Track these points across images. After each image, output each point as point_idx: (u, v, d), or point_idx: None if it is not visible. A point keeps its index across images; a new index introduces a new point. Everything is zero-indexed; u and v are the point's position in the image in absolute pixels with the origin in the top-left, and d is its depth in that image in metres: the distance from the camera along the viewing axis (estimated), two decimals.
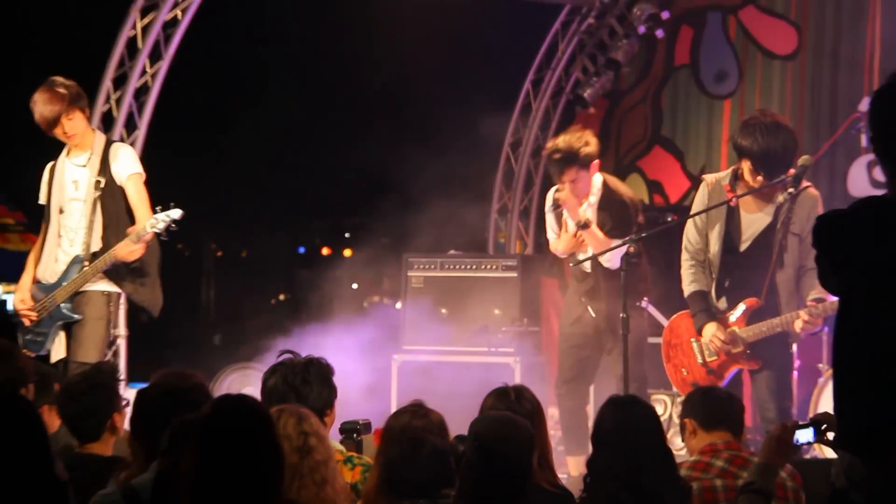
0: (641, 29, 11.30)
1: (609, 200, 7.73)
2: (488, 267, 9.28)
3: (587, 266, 7.79)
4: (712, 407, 5.03)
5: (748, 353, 6.59)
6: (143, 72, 9.69)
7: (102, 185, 6.97)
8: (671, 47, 11.69)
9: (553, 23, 11.85)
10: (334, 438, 5.12)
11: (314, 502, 3.99)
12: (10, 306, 7.44)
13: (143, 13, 9.59)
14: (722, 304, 6.68)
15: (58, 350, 7.05)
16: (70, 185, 7.06)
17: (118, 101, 9.65)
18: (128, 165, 7.04)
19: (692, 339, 6.75)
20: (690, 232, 6.75)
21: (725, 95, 11.39)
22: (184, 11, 9.64)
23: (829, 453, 6.90)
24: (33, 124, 7.04)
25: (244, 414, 3.49)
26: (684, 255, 6.77)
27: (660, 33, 11.39)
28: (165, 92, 9.82)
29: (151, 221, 6.79)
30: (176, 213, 6.79)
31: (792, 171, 6.37)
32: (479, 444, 4.01)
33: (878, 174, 9.95)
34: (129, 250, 6.82)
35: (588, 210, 7.77)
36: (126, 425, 4.65)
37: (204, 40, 10.82)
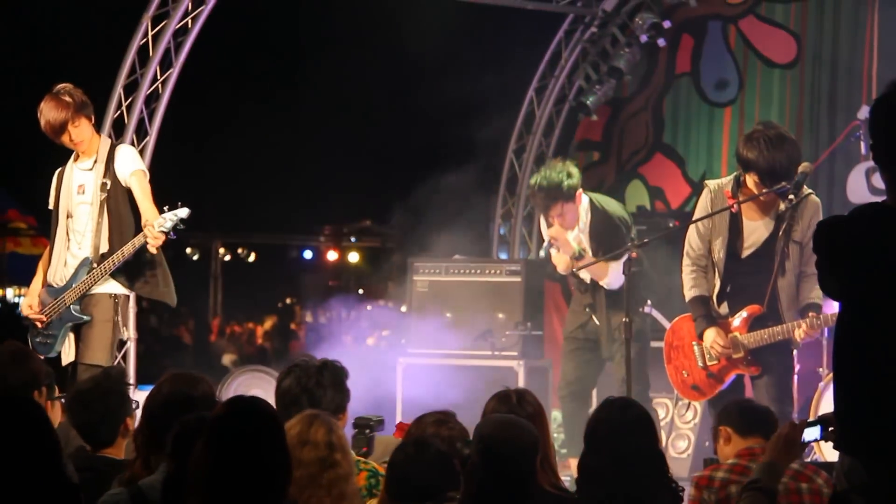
0: (643, 38, 11.32)
1: (599, 223, 7.81)
2: (492, 272, 9.34)
3: (587, 278, 7.91)
4: (749, 414, 5.09)
5: (749, 358, 6.64)
6: (154, 79, 9.73)
7: (108, 186, 7.02)
8: (672, 56, 11.68)
9: (557, 32, 11.85)
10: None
11: None
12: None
13: (155, 22, 9.64)
14: (723, 309, 6.73)
15: (68, 354, 7.10)
16: (77, 189, 7.12)
17: (129, 108, 9.68)
18: (130, 163, 7.08)
19: (693, 343, 6.80)
20: (692, 238, 6.78)
21: (726, 103, 11.37)
22: (194, 20, 9.69)
23: (830, 456, 6.97)
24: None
25: (255, 416, 3.50)
26: (686, 261, 6.80)
27: (661, 42, 11.40)
28: (175, 98, 9.87)
29: (159, 221, 6.80)
30: (183, 212, 6.82)
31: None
32: (483, 447, 4.02)
33: (877, 181, 9.93)
34: (154, 235, 6.77)
35: (580, 236, 7.87)
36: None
37: (213, 48, 10.93)
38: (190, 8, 9.66)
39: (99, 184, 7.03)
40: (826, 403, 7.79)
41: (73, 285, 7.01)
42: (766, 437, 4.98)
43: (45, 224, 7.64)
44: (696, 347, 6.78)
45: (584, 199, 7.88)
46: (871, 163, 9.68)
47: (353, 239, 29.92)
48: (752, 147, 6.42)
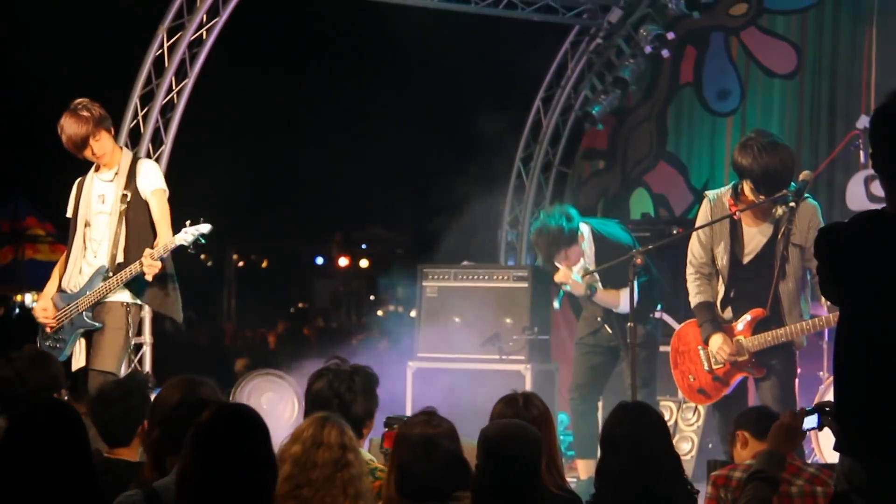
0: (648, 49, 11.39)
1: (602, 251, 7.81)
2: (500, 277, 9.32)
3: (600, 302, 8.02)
4: (766, 419, 5.07)
5: (753, 361, 6.66)
6: (170, 89, 9.81)
7: (129, 198, 7.05)
8: (676, 66, 11.71)
9: (563, 43, 11.90)
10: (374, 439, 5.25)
11: None
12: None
13: (170, 33, 9.73)
14: (727, 314, 6.75)
15: (78, 359, 7.15)
16: (96, 199, 7.16)
17: (145, 118, 9.74)
18: (152, 181, 7.14)
19: (699, 347, 6.82)
20: (695, 246, 6.82)
21: (728, 113, 11.38)
22: (209, 31, 9.78)
23: (830, 458, 7.03)
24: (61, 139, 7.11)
25: (240, 422, 3.51)
26: (689, 269, 6.83)
27: (665, 53, 11.47)
28: (190, 108, 9.93)
29: (181, 235, 6.85)
30: (205, 228, 6.87)
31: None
32: (487, 447, 4.06)
33: (876, 189, 9.84)
34: (150, 264, 6.84)
35: (587, 266, 7.96)
36: None
37: (228, 59, 11.03)
38: (205, 20, 9.76)
39: (119, 195, 7.07)
40: None
41: (88, 292, 7.04)
42: None
43: (62, 231, 7.59)
44: (701, 352, 6.82)
45: (585, 233, 7.91)
46: (870, 171, 9.68)
47: (363, 245, 29.95)
48: (747, 154, 6.47)
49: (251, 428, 3.52)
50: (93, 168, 7.24)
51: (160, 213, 7.10)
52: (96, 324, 7.04)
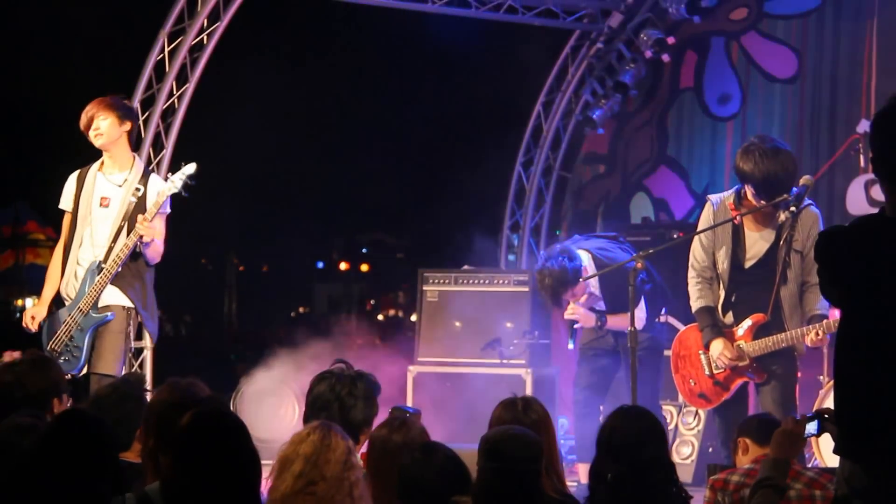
0: (648, 53, 11.39)
1: (606, 277, 7.73)
2: (500, 281, 9.32)
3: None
4: (767, 426, 5.09)
5: (754, 366, 6.66)
6: (171, 94, 9.82)
7: (133, 206, 7.02)
8: (676, 71, 11.72)
9: (563, 47, 11.92)
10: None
11: None
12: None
13: (171, 38, 9.75)
14: (728, 318, 6.74)
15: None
16: (99, 200, 7.10)
17: (146, 122, 9.74)
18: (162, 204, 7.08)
19: (700, 352, 6.82)
20: (697, 250, 6.82)
21: (728, 117, 11.39)
22: (209, 36, 9.79)
23: (830, 461, 6.92)
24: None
25: (219, 426, 3.55)
26: (691, 273, 6.83)
27: (666, 58, 11.48)
28: (191, 113, 9.95)
29: (168, 185, 6.87)
30: (190, 168, 6.88)
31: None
32: (489, 452, 4.09)
33: (876, 193, 9.88)
34: (147, 227, 6.84)
35: (593, 295, 7.98)
36: None
37: (228, 63, 11.05)
38: (206, 24, 9.78)
39: (127, 202, 7.03)
40: None
41: (87, 291, 6.98)
42: None
43: None
44: (702, 357, 6.82)
45: (586, 261, 7.86)
46: (870, 175, 9.72)
47: (364, 249, 29.99)
48: (748, 159, 6.47)
49: (229, 428, 3.55)
50: (97, 164, 7.18)
51: (158, 234, 7.08)
52: (108, 314, 7.01)
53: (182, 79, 9.90)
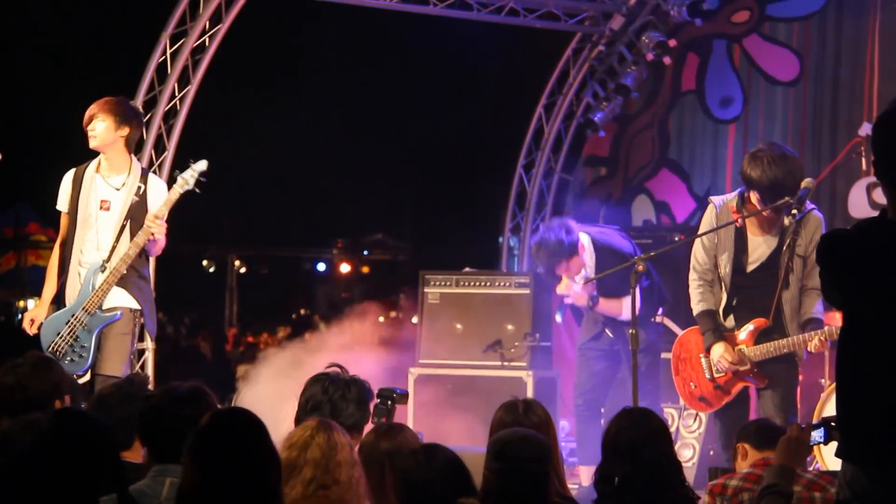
0: (650, 56, 11.40)
1: (604, 260, 7.84)
2: (502, 284, 9.35)
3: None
4: (765, 431, 5.17)
5: (755, 371, 6.69)
6: (172, 95, 9.82)
7: (134, 210, 7.01)
8: (678, 74, 11.73)
9: (565, 50, 11.94)
10: None
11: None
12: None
13: (173, 40, 9.75)
14: (729, 322, 6.77)
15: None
16: (98, 203, 7.08)
17: (148, 124, 9.69)
18: (160, 202, 7.08)
19: (701, 355, 6.84)
20: (699, 252, 6.82)
21: (730, 120, 11.41)
22: (211, 38, 9.79)
23: (832, 465, 6.94)
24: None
25: (237, 426, 3.53)
26: (692, 275, 6.84)
27: (667, 60, 11.49)
28: (193, 115, 9.94)
29: (179, 182, 6.87)
30: (202, 165, 6.89)
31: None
32: (500, 454, 4.10)
33: (878, 196, 9.97)
34: (159, 226, 6.87)
35: (588, 284, 7.98)
36: None
37: (230, 66, 11.05)
38: (207, 26, 9.77)
39: (129, 205, 7.03)
40: (828, 413, 7.58)
41: (91, 292, 6.97)
42: None
43: None
44: (703, 360, 6.84)
45: (585, 243, 7.94)
46: (872, 178, 9.73)
47: (365, 252, 30.01)
48: (756, 166, 6.47)
49: (249, 430, 3.54)
50: (94, 166, 7.16)
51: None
52: (116, 313, 7.00)
53: (184, 81, 9.90)
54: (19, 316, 18.87)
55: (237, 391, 9.46)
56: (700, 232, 6.85)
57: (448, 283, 9.45)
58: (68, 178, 7.18)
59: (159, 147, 9.93)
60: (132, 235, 7.01)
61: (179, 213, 7.21)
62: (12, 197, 18.74)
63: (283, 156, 19.16)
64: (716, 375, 6.80)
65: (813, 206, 6.68)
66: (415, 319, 9.73)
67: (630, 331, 6.72)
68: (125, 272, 6.99)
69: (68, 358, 7.02)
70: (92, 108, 7.05)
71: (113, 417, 4.72)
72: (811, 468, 7.31)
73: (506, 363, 9.04)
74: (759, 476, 4.80)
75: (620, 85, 11.66)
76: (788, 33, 11.16)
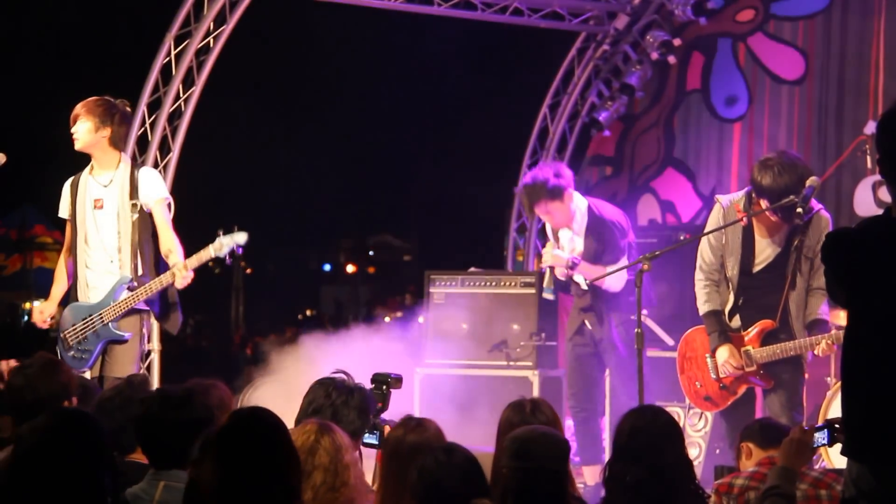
0: (654, 55, 11.43)
1: (594, 226, 7.81)
2: (507, 284, 9.31)
3: (583, 284, 8.00)
4: (769, 430, 5.18)
5: (761, 372, 6.70)
6: (177, 97, 9.82)
7: (139, 207, 7.06)
8: (683, 73, 11.75)
9: (569, 49, 11.94)
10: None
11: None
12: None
13: (178, 41, 9.75)
14: (735, 322, 6.78)
15: (92, 368, 7.14)
16: (93, 203, 7.13)
17: (153, 125, 9.76)
18: (155, 190, 7.15)
19: (707, 355, 6.84)
20: (705, 252, 6.83)
21: (735, 119, 11.41)
22: (215, 39, 9.79)
23: (838, 463, 6.94)
24: (71, 145, 7.16)
25: (258, 426, 3.56)
26: (698, 275, 6.84)
27: (672, 59, 11.52)
28: (197, 116, 9.95)
29: (216, 245, 6.87)
30: (242, 238, 6.90)
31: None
32: (519, 453, 4.09)
33: (884, 194, 9.82)
34: (184, 276, 6.87)
35: (574, 238, 7.95)
36: None
37: (235, 67, 11.06)
38: (212, 28, 9.77)
39: (128, 204, 7.08)
40: (834, 411, 7.74)
41: (111, 303, 7.02)
42: None
43: None
44: (709, 360, 6.84)
45: (580, 203, 7.90)
46: (877, 176, 9.70)
47: (371, 252, 30.02)
48: (766, 174, 6.46)
49: (269, 430, 3.56)
50: (88, 169, 7.23)
51: (164, 222, 7.13)
52: (125, 334, 7.05)
53: (188, 82, 9.90)
54: (25, 318, 18.91)
55: (243, 391, 9.48)
56: (706, 230, 6.85)
57: (453, 283, 9.44)
58: (66, 185, 7.29)
59: (164, 148, 9.93)
60: (139, 234, 7.07)
61: (184, 215, 7.24)
62: (18, 199, 18.78)
63: (287, 156, 19.19)
64: (721, 376, 6.81)
65: (820, 206, 6.67)
66: (420, 319, 9.71)
67: (636, 330, 6.69)
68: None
69: (72, 352, 7.11)
70: (76, 110, 7.11)
71: (114, 422, 4.74)
72: (817, 466, 7.36)
73: (512, 363, 9.01)
74: (765, 475, 4.79)
75: (625, 84, 11.68)
76: (793, 32, 11.16)
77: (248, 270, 28.74)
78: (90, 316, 7.08)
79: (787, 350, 6.59)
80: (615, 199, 12.15)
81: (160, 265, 7.20)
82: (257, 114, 17.59)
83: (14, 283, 19.24)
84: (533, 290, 9.17)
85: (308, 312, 29.17)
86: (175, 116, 9.94)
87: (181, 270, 6.89)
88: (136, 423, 4.38)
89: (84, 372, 7.03)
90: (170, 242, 7.07)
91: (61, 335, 7.17)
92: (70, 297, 7.26)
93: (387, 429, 4.98)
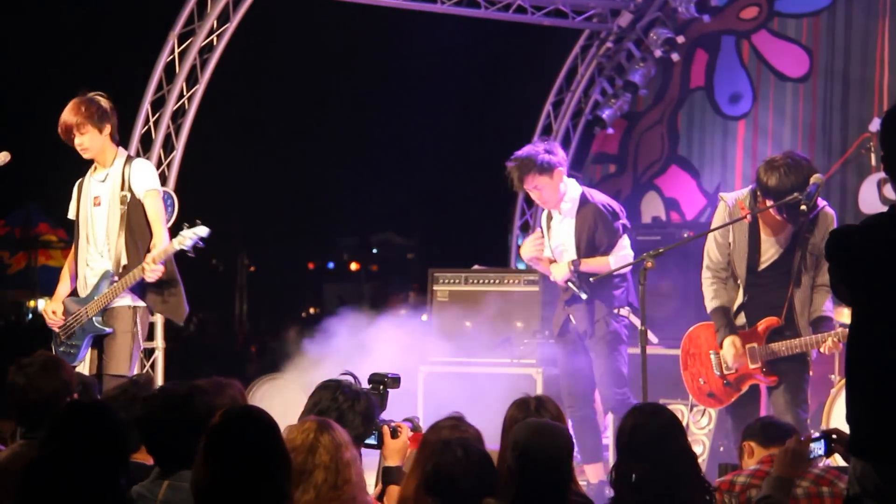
0: (658, 52, 11.42)
1: (585, 210, 7.71)
2: (511, 281, 9.33)
3: (583, 295, 7.93)
4: (770, 428, 5.21)
5: (765, 369, 6.70)
6: (181, 95, 9.84)
7: (128, 199, 7.06)
8: (687, 70, 11.74)
9: (573, 47, 11.95)
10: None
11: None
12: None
13: (181, 40, 9.76)
14: (740, 319, 6.79)
15: (84, 365, 7.21)
16: (91, 200, 7.17)
17: (156, 123, 9.78)
18: (146, 181, 7.15)
19: (711, 352, 6.85)
20: (711, 249, 6.83)
21: (740, 116, 11.40)
22: (219, 38, 9.81)
23: (842, 461, 7.13)
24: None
25: (249, 425, 3.58)
26: (705, 273, 6.85)
27: (675, 57, 11.50)
28: (201, 114, 9.97)
29: (179, 239, 6.88)
30: (203, 231, 6.89)
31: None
32: (520, 452, 4.10)
33: (889, 192, 9.95)
34: (152, 269, 6.90)
35: (565, 220, 7.94)
36: None
37: (238, 65, 11.07)
38: (215, 26, 9.79)
39: (118, 196, 7.09)
40: (838, 409, 7.75)
41: (95, 297, 7.07)
42: None
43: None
44: (713, 357, 6.85)
45: (573, 188, 7.82)
46: (882, 174, 9.71)
47: (374, 250, 30.04)
48: (772, 175, 6.45)
49: (261, 429, 3.57)
50: (91, 168, 7.26)
51: (155, 213, 7.13)
52: (107, 329, 7.08)
53: (192, 80, 9.91)
54: (29, 315, 18.94)
55: (247, 390, 9.47)
56: (712, 228, 6.83)
57: (457, 281, 9.44)
58: (75, 187, 7.33)
59: (168, 146, 9.94)
60: (128, 231, 7.09)
61: (188, 213, 7.27)
62: (22, 197, 18.80)
63: (291, 154, 19.20)
64: (725, 372, 6.80)
65: (825, 203, 6.67)
66: (424, 317, 9.71)
67: (640, 328, 6.67)
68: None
69: (62, 348, 7.18)
70: (66, 122, 7.06)
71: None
72: (821, 464, 7.35)
73: (515, 360, 9.00)
74: (767, 472, 4.83)
75: (629, 82, 11.68)
76: (798, 29, 11.15)
77: (252, 268, 28.76)
78: (77, 311, 7.12)
79: (793, 347, 6.60)
80: (619, 196, 12.13)
81: None
82: (260, 112, 17.59)
83: (18, 281, 19.26)
84: (536, 288, 9.19)
85: (311, 310, 29.19)
86: (179, 114, 9.95)
87: (149, 264, 6.92)
88: (138, 423, 4.38)
89: (74, 367, 7.00)
90: (157, 236, 7.09)
91: (55, 331, 7.23)
92: (73, 295, 7.31)
93: (385, 429, 4.97)
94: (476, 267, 9.73)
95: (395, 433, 4.98)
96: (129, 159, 7.23)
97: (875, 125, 9.94)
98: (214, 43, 9.88)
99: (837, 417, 7.60)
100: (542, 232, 8.04)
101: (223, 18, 9.83)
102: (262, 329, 22.15)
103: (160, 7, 10.32)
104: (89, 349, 7.19)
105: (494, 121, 11.10)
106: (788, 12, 11.24)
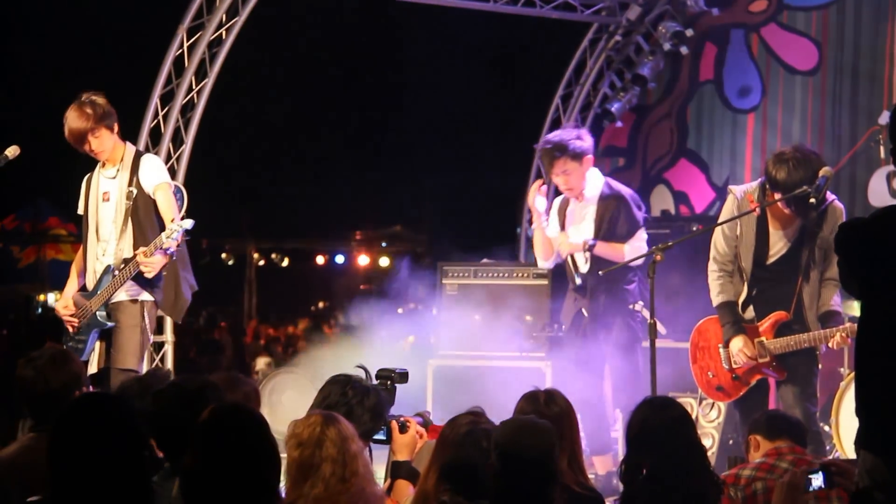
0: (667, 46, 11.44)
1: (609, 197, 7.75)
2: (520, 275, 9.35)
3: (583, 267, 7.94)
4: (776, 421, 5.26)
5: (774, 364, 6.68)
6: (190, 89, 9.85)
7: (134, 195, 7.08)
8: (696, 63, 11.76)
9: (581, 40, 11.97)
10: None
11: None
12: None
13: (190, 33, 9.78)
14: (749, 313, 6.76)
15: (92, 361, 7.20)
16: (101, 196, 7.19)
17: (165, 117, 9.80)
18: (155, 175, 7.17)
19: (720, 346, 6.82)
20: (719, 242, 6.81)
21: (749, 109, 11.42)
22: (227, 31, 9.83)
23: (851, 454, 7.13)
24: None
25: (236, 422, 3.61)
26: (712, 266, 6.82)
27: (684, 50, 11.51)
28: (210, 108, 9.97)
29: (166, 232, 6.89)
30: (188, 224, 6.89)
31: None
32: (500, 451, 4.06)
33: None
34: (144, 262, 6.89)
35: (588, 207, 7.85)
36: None
37: (247, 58, 11.07)
38: (224, 20, 9.81)
39: (125, 192, 7.11)
40: (847, 402, 7.78)
41: (98, 291, 7.10)
42: (792, 438, 5.15)
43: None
44: (722, 351, 6.83)
45: (597, 176, 7.83)
46: (891, 167, 9.73)
47: (384, 244, 30.02)
48: (781, 168, 6.42)
49: (250, 426, 3.60)
50: (99, 164, 7.28)
51: (167, 206, 7.13)
52: (109, 322, 7.10)
53: (201, 74, 9.93)
54: (39, 309, 18.96)
55: (259, 382, 9.48)
56: (720, 221, 6.82)
57: (466, 275, 9.45)
58: (83, 182, 7.37)
59: (177, 140, 9.96)
60: (134, 226, 7.11)
61: (199, 207, 7.27)
62: (32, 192, 18.82)
63: (300, 148, 19.20)
64: (734, 366, 6.80)
65: (834, 196, 6.66)
66: (434, 311, 9.72)
67: (649, 321, 6.65)
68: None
69: (71, 343, 7.20)
70: (79, 126, 7.04)
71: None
72: (830, 457, 7.35)
73: (524, 354, 9.02)
74: (772, 465, 4.91)
75: (637, 75, 11.69)
76: (807, 22, 11.17)
77: (261, 262, 28.78)
78: (84, 306, 7.16)
79: (802, 342, 6.58)
80: None
81: None
82: (269, 106, 17.58)
83: (28, 275, 19.30)
84: (545, 282, 9.21)
85: (321, 304, 29.18)
86: (188, 108, 9.96)
87: (141, 258, 6.92)
88: (149, 418, 4.38)
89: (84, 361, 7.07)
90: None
91: (66, 326, 7.26)
92: (83, 290, 7.32)
93: (394, 424, 4.97)
94: (485, 261, 9.75)
95: (403, 428, 4.96)
96: (137, 154, 7.25)
97: (884, 118, 9.92)
98: (223, 37, 9.89)
99: (846, 411, 7.62)
100: (547, 219, 8.01)
101: (232, 12, 9.85)
102: (272, 323, 22.15)
103: (169, 1, 10.32)
104: (97, 343, 7.20)
105: (503, 114, 11.08)
106: (797, 5, 11.26)
